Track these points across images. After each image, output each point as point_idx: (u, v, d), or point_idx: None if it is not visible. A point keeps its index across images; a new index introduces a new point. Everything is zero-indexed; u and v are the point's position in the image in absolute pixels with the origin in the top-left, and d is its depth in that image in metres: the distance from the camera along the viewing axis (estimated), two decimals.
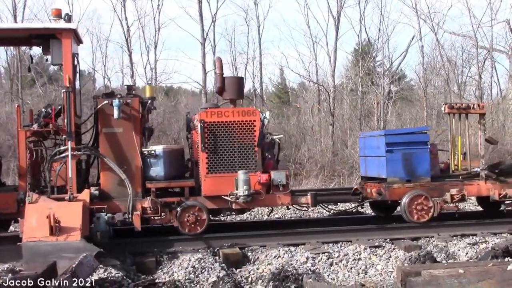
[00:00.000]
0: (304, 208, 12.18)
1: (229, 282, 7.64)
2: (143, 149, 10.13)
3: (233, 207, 10.20)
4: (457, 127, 11.63)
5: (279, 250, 9.47)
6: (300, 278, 7.77)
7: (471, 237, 10.25)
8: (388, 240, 10.09)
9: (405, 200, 10.59)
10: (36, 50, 16.61)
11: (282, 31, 72.78)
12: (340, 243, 9.95)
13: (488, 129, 25.37)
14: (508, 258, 8.29)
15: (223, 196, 10.10)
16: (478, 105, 11.50)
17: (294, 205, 11.28)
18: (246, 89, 29.46)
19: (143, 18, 26.72)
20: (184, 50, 77.31)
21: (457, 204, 10.88)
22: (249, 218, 13.36)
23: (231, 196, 10.03)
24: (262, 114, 10.49)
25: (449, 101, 28.44)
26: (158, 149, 10.19)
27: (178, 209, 9.96)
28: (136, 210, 9.73)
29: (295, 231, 10.50)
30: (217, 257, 9.37)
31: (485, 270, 5.60)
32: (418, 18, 28.95)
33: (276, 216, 13.69)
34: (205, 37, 27.00)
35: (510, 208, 11.26)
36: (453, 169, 11.53)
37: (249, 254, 9.58)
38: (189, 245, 9.81)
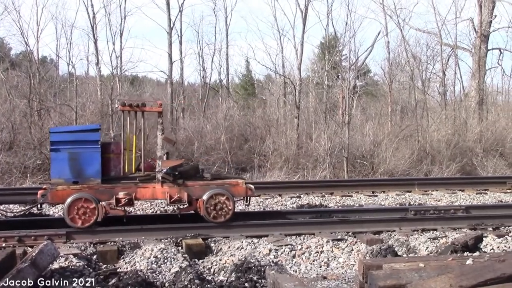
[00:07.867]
0: None
1: (191, 272, 7.60)
2: None
3: None
4: (132, 125, 10.62)
5: (242, 242, 9.48)
6: (262, 269, 7.78)
7: (431, 231, 10.41)
8: (350, 233, 10.18)
9: (67, 202, 9.86)
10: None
11: (249, 22, 72.88)
12: (303, 235, 10.01)
13: (450, 126, 25.87)
14: (467, 252, 8.45)
15: None
16: (157, 103, 10.60)
17: None
18: (212, 80, 29.41)
19: (109, 5, 26.20)
20: (150, 39, 76.73)
21: (125, 208, 10.14)
22: None
23: None
24: None
25: (413, 97, 28.82)
26: None
27: None
28: None
29: (258, 223, 10.53)
30: (179, 248, 9.34)
31: (444, 264, 5.67)
32: (385, 14, 29.17)
33: (240, 208, 13.67)
34: (171, 26, 26.70)
35: (184, 212, 10.76)
36: (126, 170, 10.57)
37: (212, 245, 9.58)
38: (152, 235, 9.77)
